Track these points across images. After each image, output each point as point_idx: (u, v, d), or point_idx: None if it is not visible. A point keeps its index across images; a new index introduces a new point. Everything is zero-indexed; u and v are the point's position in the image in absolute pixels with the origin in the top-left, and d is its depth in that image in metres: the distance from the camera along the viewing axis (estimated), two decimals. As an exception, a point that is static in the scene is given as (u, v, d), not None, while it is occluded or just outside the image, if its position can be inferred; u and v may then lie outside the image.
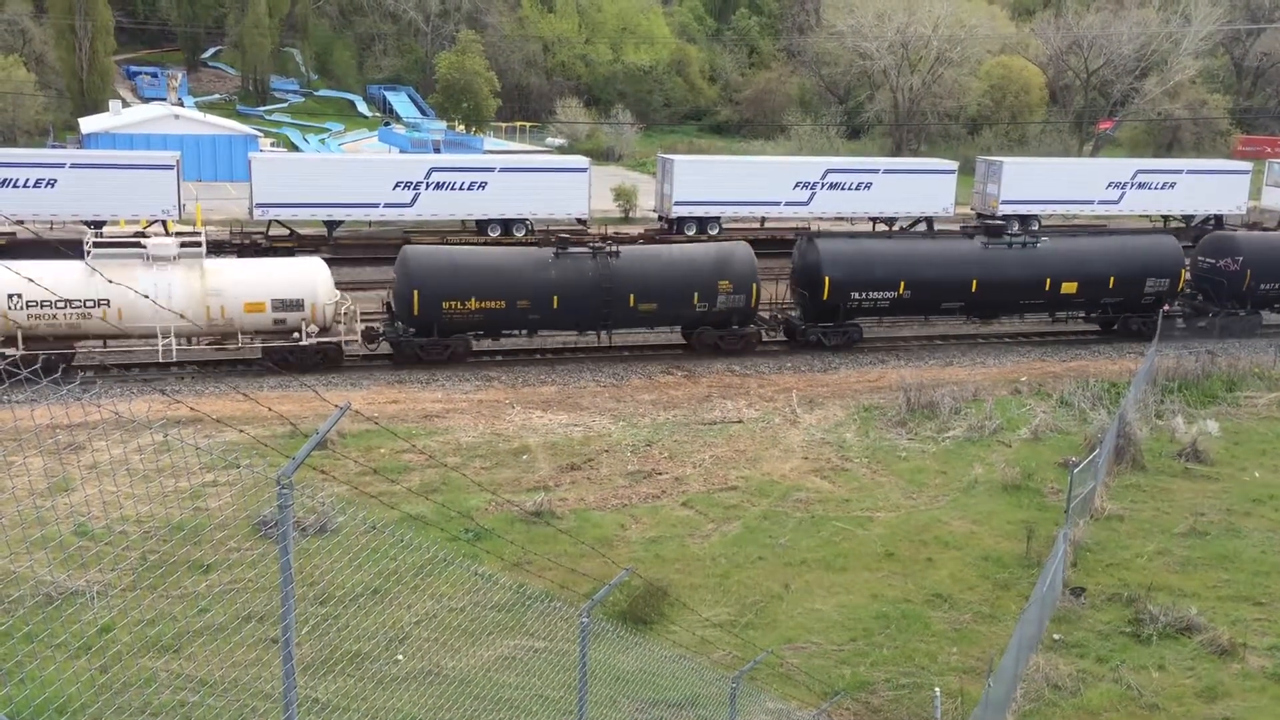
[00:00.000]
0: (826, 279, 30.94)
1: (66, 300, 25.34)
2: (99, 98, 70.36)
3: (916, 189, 50.22)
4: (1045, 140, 79.46)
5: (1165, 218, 54.38)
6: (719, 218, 48.62)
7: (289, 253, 38.71)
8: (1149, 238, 36.22)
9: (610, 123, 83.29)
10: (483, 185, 44.87)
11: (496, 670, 13.68)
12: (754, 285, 30.21)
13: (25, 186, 39.79)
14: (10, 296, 25.09)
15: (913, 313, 32.77)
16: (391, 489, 19.32)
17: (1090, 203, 53.29)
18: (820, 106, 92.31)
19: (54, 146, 59.12)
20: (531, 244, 37.57)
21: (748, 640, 16.18)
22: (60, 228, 42.18)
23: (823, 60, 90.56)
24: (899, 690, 15.46)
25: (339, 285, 28.83)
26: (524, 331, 29.77)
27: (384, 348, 29.32)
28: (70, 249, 32.63)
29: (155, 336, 26.24)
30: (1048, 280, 32.38)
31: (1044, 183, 52.40)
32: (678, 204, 47.81)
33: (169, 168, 41.18)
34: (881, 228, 49.92)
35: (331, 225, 43.83)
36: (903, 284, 31.31)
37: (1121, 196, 53.38)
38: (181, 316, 25.30)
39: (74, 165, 41.04)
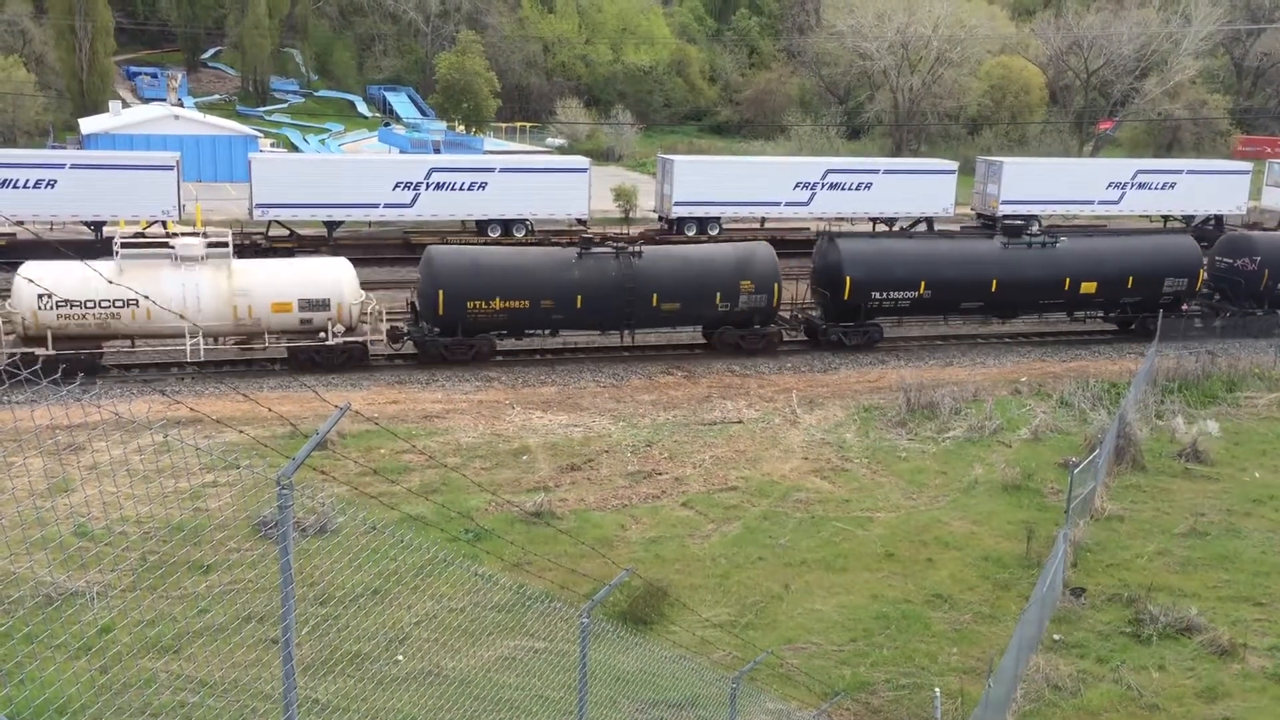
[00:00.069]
0: (848, 279, 31.04)
1: (95, 300, 25.51)
2: (99, 98, 70.35)
3: (916, 189, 50.24)
4: (1045, 140, 79.46)
5: (1165, 218, 54.40)
6: (719, 218, 48.62)
7: (289, 253, 38.72)
8: (1167, 237, 36.39)
9: (610, 123, 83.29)
10: (483, 186, 44.87)
11: (496, 671, 13.68)
12: (775, 285, 30.37)
13: (25, 187, 39.78)
14: (40, 297, 25.28)
15: (933, 312, 32.88)
16: (391, 489, 19.32)
17: (1090, 203, 53.30)
18: (820, 107, 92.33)
19: (54, 147, 59.12)
20: (554, 244, 37.70)
21: (748, 640, 16.18)
22: (60, 228, 42.23)
23: (823, 60, 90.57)
24: (899, 691, 15.46)
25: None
26: (547, 331, 29.90)
27: (408, 347, 29.48)
28: (71, 249, 32.64)
29: (183, 336, 26.44)
30: (1067, 280, 32.52)
31: (1044, 183, 52.42)
32: (678, 204, 47.82)
33: (169, 168, 41.17)
34: (881, 228, 49.93)
35: (331, 226, 43.82)
36: (923, 284, 31.44)
37: (1121, 197, 53.40)
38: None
39: (74, 166, 41.02)
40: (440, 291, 28.13)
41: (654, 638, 15.32)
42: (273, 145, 66.80)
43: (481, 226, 45.49)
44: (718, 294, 29.89)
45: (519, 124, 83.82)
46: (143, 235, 31.33)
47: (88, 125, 60.63)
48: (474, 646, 14.07)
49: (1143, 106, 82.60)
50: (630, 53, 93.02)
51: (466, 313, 28.36)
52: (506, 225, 45.37)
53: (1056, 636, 16.71)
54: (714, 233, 47.85)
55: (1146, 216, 54.58)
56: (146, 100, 77.07)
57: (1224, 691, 15.28)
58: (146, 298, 24.37)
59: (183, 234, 29.56)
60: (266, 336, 27.46)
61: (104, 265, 26.30)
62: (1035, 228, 48.05)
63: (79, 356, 25.53)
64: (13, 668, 7.13)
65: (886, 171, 50.84)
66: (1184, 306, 34.13)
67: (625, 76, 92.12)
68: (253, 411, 21.80)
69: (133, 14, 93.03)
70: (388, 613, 14.51)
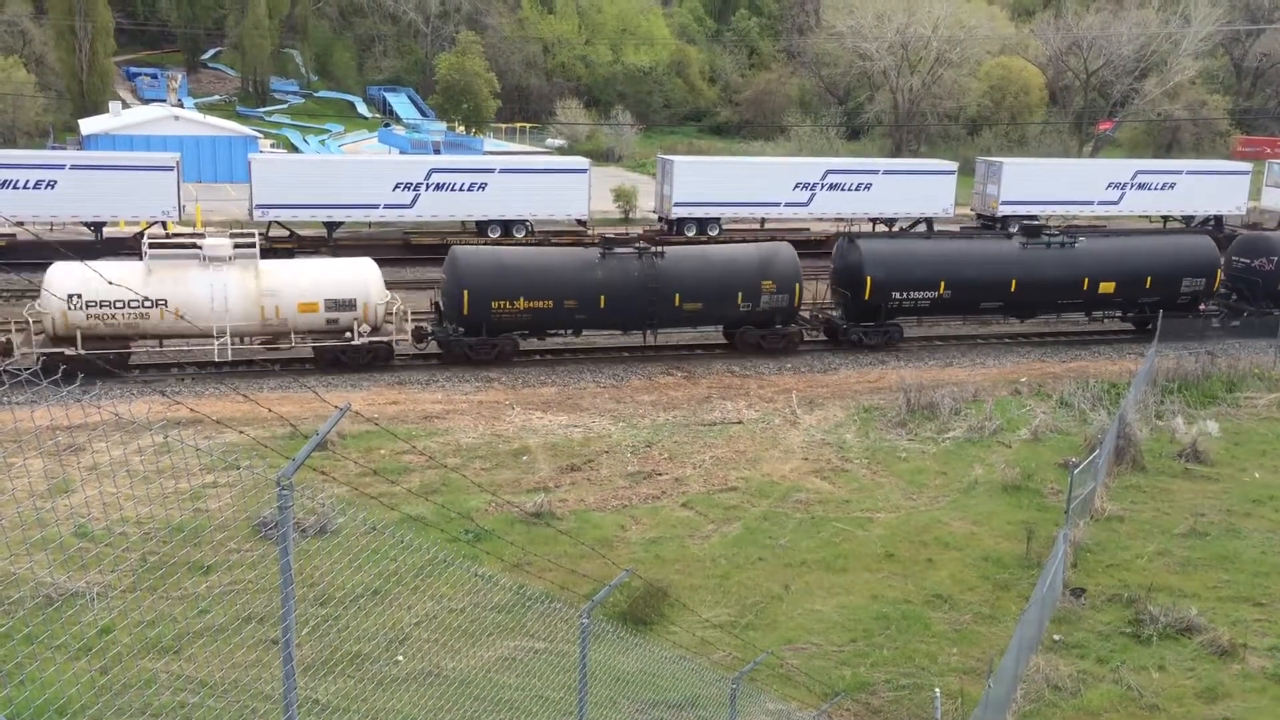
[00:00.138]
0: (868, 279, 31.17)
1: (125, 300, 25.63)
2: (99, 99, 70.35)
3: (916, 190, 50.25)
4: (1045, 141, 79.46)
5: (1165, 218, 54.41)
6: (719, 219, 48.62)
7: (289, 254, 38.73)
8: (1185, 237, 36.52)
9: (610, 124, 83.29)
10: (483, 186, 44.87)
11: (497, 671, 13.68)
12: (797, 285, 30.52)
13: (25, 188, 39.77)
14: (70, 297, 25.39)
15: (952, 312, 33.03)
16: (391, 490, 19.32)
17: (1090, 203, 53.30)
18: (820, 107, 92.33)
19: (54, 148, 59.12)
20: (576, 244, 37.86)
21: (748, 641, 16.18)
22: (60, 229, 42.23)
23: (822, 61, 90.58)
24: (899, 691, 15.46)
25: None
26: (569, 331, 30.04)
27: (432, 347, 29.60)
28: (71, 250, 32.65)
29: (211, 336, 26.56)
30: (1086, 280, 32.67)
31: (1044, 183, 52.43)
32: (677, 205, 47.81)
33: (169, 169, 41.17)
34: (881, 228, 49.94)
35: (331, 226, 43.81)
36: (943, 284, 31.57)
37: (1121, 197, 53.40)
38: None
39: (74, 166, 41.01)
40: (465, 291, 28.31)
41: (654, 638, 15.32)
42: (273, 146, 66.80)
43: (481, 227, 45.48)
44: (740, 294, 30.06)
45: (519, 125, 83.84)
46: (172, 235, 31.43)
47: (88, 126, 60.64)
48: (474, 647, 14.07)
49: (1142, 107, 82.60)
50: (630, 53, 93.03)
51: (491, 312, 28.53)
52: (506, 226, 45.37)
53: (1056, 637, 16.71)
54: (714, 233, 47.85)
55: (1146, 217, 54.59)
56: (146, 101, 77.07)
57: (1224, 692, 15.28)
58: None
59: (211, 234, 29.70)
60: (293, 336, 27.63)
61: (133, 266, 26.69)
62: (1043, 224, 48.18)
63: (108, 357, 25.80)
64: (13, 668, 7.13)
65: (886, 172, 50.85)
66: (1201, 306, 34.23)
67: (625, 77, 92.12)
68: (253, 412, 21.81)
69: (133, 14, 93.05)
70: (388, 613, 14.51)
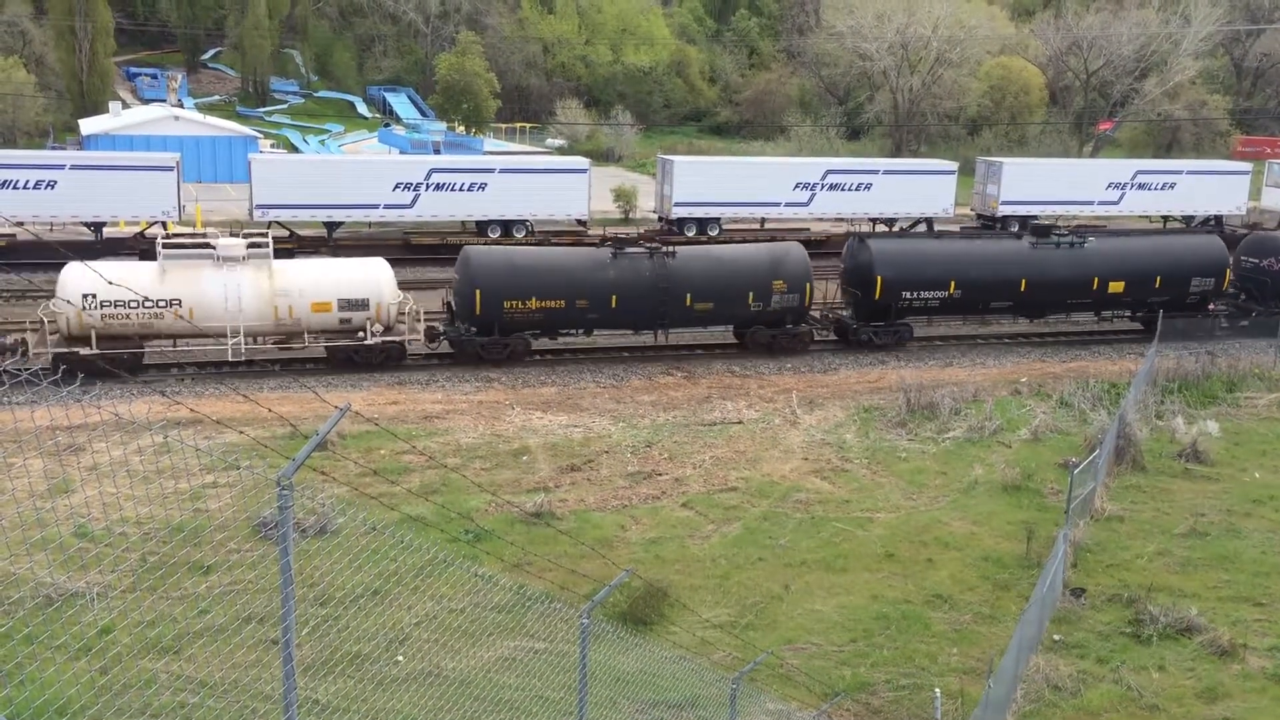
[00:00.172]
0: (879, 278, 31.24)
1: (139, 300, 25.74)
2: (99, 99, 70.35)
3: (916, 190, 50.26)
4: (1045, 141, 79.45)
5: (1165, 218, 54.42)
6: (719, 219, 48.63)
7: (289, 254, 38.72)
8: (1194, 237, 36.59)
9: (610, 124, 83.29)
10: (483, 186, 44.87)
11: (497, 671, 13.69)
12: (807, 285, 30.59)
13: (25, 188, 39.78)
14: (85, 297, 25.47)
15: (962, 312, 33.12)
16: (391, 490, 19.32)
17: (1090, 203, 53.30)
18: (820, 107, 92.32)
19: (54, 148, 59.12)
20: (579, 244, 37.89)
21: (748, 641, 16.18)
22: (60, 229, 42.22)
23: (822, 61, 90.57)
24: (899, 691, 15.46)
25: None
26: (581, 331, 30.09)
27: (444, 347, 29.66)
28: (71, 250, 32.65)
29: (225, 336, 26.65)
30: (1095, 280, 32.73)
31: (1044, 183, 52.43)
32: (677, 205, 47.81)
33: (169, 169, 41.17)
34: (881, 228, 49.93)
35: (331, 226, 43.82)
36: (953, 283, 31.63)
37: (1121, 197, 53.40)
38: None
39: (74, 167, 41.01)
40: (477, 291, 28.36)
41: (654, 638, 15.32)
42: (273, 146, 66.81)
43: (481, 227, 45.48)
44: (750, 294, 30.13)
45: (519, 125, 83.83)
46: (185, 236, 31.51)
47: (88, 126, 60.64)
48: (474, 647, 14.07)
49: (1142, 107, 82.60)
50: (630, 53, 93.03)
51: (503, 312, 28.59)
52: (506, 226, 45.37)
53: (1056, 637, 16.71)
54: (714, 233, 47.85)
55: (1146, 217, 54.59)
56: (146, 101, 77.07)
57: (1224, 692, 15.28)
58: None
59: (224, 234, 29.76)
60: (306, 336, 27.70)
61: (147, 266, 26.84)
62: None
63: (122, 357, 25.93)
64: (13, 668, 7.13)
65: (886, 172, 50.85)
66: (1210, 306, 34.29)
67: (625, 77, 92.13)
68: (252, 412, 21.81)
69: (133, 14, 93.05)
70: (388, 613, 14.51)
